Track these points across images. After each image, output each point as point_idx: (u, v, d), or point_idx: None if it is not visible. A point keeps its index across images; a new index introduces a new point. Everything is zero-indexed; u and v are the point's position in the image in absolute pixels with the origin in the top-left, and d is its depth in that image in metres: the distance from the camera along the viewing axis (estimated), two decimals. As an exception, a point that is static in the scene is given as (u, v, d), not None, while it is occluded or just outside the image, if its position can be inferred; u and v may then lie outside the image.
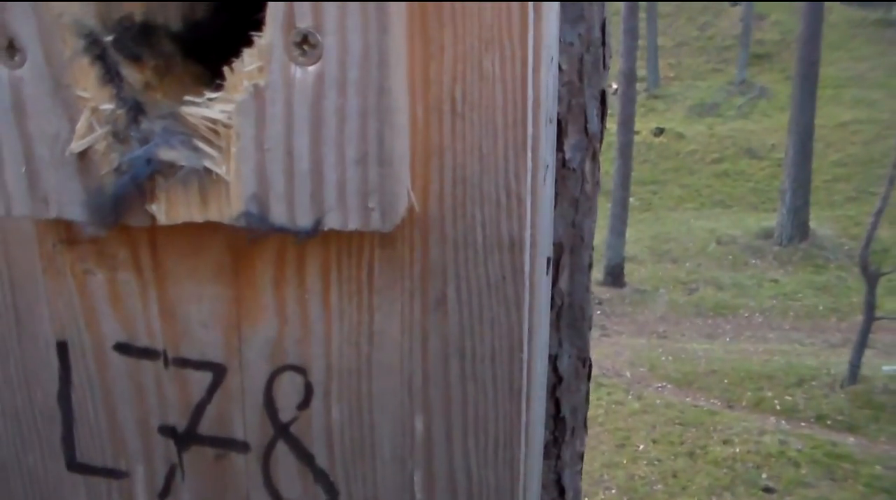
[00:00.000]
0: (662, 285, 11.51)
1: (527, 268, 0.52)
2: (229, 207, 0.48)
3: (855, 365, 7.42)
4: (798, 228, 12.32)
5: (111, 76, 0.49)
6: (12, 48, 0.48)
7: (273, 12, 0.44)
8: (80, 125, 0.48)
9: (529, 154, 0.50)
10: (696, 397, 7.61)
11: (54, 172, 0.50)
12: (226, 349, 0.57)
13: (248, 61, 0.46)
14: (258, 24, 0.47)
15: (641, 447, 6.54)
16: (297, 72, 0.45)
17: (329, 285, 0.54)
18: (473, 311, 0.53)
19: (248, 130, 0.46)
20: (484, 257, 0.52)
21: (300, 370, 0.56)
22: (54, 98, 0.48)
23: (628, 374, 8.07)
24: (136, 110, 0.49)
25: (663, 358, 8.55)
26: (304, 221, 0.47)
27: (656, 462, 6.30)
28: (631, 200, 12.49)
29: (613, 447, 6.52)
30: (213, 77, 0.59)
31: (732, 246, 12.52)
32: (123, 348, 0.58)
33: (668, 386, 7.89)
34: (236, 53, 0.47)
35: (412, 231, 0.52)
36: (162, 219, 0.49)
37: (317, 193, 0.47)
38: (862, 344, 7.38)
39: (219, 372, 0.57)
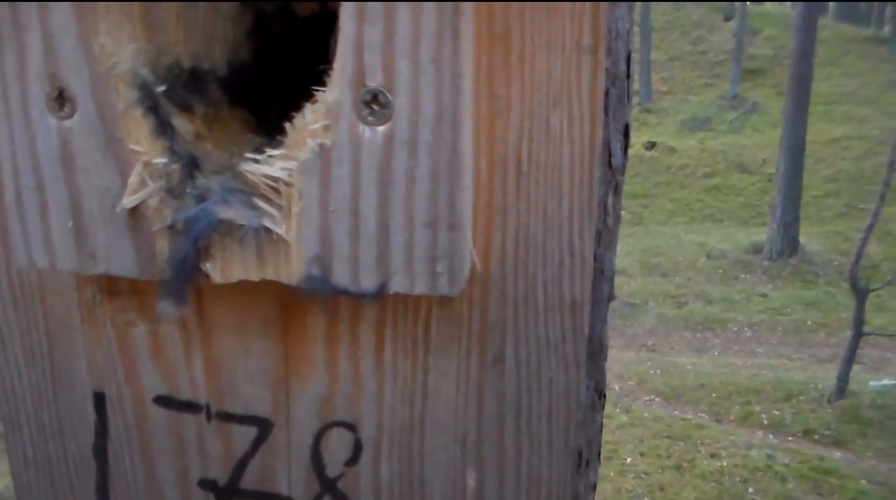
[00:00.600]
0: (652, 298, 11.50)
1: (587, 328, 0.51)
2: (288, 268, 0.46)
3: (843, 380, 7.42)
4: (788, 243, 12.34)
5: (164, 128, 0.47)
6: (62, 98, 0.46)
7: (341, 68, 0.43)
8: (133, 180, 0.46)
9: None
10: (684, 411, 7.59)
11: (104, 227, 0.48)
12: (272, 405, 0.55)
13: (312, 118, 0.44)
14: (308, 72, 0.46)
15: (629, 460, 6.52)
16: (365, 132, 0.43)
17: (383, 342, 0.52)
18: (532, 370, 0.52)
19: (311, 190, 0.45)
20: (545, 317, 0.51)
21: (350, 427, 0.54)
22: (105, 151, 0.47)
23: (617, 387, 8.04)
24: (191, 165, 0.47)
25: (652, 371, 8.54)
26: (368, 284, 0.46)
27: (643, 476, 6.27)
28: (622, 213, 12.48)
29: (601, 460, 6.51)
30: (258, 121, 0.57)
31: (722, 260, 12.53)
32: (164, 401, 0.56)
33: (657, 399, 7.88)
34: (292, 104, 0.46)
35: (472, 289, 0.51)
36: (217, 278, 0.48)
37: (383, 256, 0.45)
38: (850, 359, 7.39)
39: (264, 427, 0.55)
